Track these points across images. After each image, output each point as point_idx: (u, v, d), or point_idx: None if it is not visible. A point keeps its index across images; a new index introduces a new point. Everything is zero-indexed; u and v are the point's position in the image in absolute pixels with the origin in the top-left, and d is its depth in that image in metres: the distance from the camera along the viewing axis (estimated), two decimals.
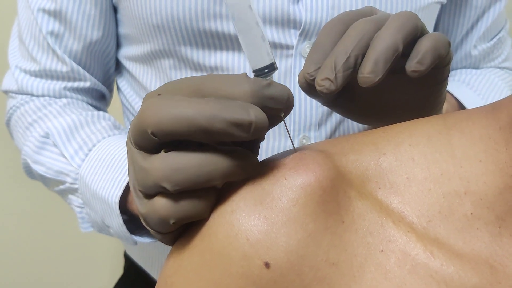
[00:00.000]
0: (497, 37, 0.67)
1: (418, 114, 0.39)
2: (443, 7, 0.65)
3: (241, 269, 0.27)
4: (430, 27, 0.63)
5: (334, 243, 0.28)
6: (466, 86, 0.64)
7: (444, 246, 0.28)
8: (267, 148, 0.57)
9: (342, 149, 0.31)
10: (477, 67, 0.69)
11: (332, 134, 0.58)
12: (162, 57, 0.58)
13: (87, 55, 0.61)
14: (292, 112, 0.55)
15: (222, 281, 0.27)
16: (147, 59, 0.60)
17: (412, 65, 0.34)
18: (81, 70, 0.61)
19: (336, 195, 0.29)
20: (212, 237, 0.28)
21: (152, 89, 0.61)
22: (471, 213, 0.29)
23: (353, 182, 0.30)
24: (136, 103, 0.65)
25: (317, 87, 0.34)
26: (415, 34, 0.35)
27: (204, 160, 0.27)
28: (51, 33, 0.59)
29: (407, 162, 0.30)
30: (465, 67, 0.70)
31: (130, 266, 0.75)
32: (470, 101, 0.62)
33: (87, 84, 0.62)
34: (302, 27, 0.53)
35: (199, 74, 0.56)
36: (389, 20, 0.35)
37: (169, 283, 0.29)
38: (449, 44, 0.36)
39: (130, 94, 0.65)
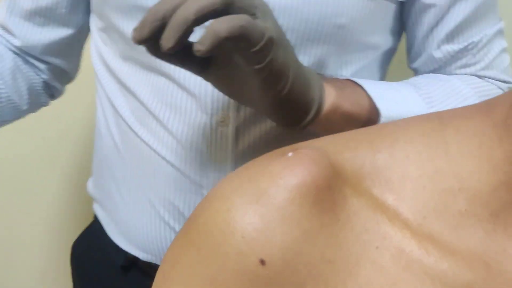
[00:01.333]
0: (471, 40, 0.59)
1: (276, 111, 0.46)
2: (403, 5, 0.60)
3: (237, 266, 0.27)
4: (381, 26, 0.59)
5: (330, 241, 0.28)
6: (410, 86, 0.57)
7: (438, 242, 0.29)
8: (184, 124, 0.57)
9: (337, 147, 0.31)
10: (448, 73, 0.61)
11: (251, 116, 0.57)
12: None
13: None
14: (209, 89, 0.55)
15: (218, 277, 0.28)
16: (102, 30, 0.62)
17: (195, 44, 0.40)
18: None
19: (332, 193, 0.29)
20: (209, 234, 0.28)
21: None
22: (465, 210, 0.29)
23: (349, 180, 0.30)
24: None
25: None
26: (214, 9, 0.40)
27: None
28: None
29: (402, 160, 0.31)
30: (432, 72, 0.62)
31: (96, 221, 0.75)
32: (397, 102, 0.54)
33: None
34: None
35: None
36: None
37: (167, 277, 0.30)
38: (252, 27, 0.40)
39: None
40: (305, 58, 0.54)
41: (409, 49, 0.64)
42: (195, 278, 0.28)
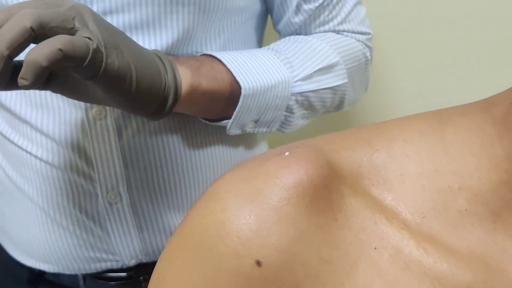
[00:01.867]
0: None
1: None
2: None
3: (232, 267, 0.27)
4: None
5: (327, 241, 0.28)
6: (271, 52, 0.57)
7: (438, 242, 0.28)
8: (60, 123, 0.54)
9: (334, 145, 0.31)
10: (308, 33, 0.61)
11: (153, 191, 0.56)
12: None
13: None
14: (95, 166, 0.54)
15: (213, 278, 0.27)
16: None
17: (19, 79, 0.38)
18: None
19: (329, 193, 0.28)
20: (203, 235, 0.28)
21: None
22: (466, 209, 0.29)
23: (346, 179, 0.29)
24: None
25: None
26: (26, 38, 0.38)
27: None
28: None
29: (400, 158, 0.30)
30: (294, 33, 0.63)
31: None
32: (257, 72, 0.54)
33: None
34: None
35: None
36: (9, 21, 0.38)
37: (161, 279, 0.29)
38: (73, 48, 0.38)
39: None
40: (169, 33, 0.53)
41: (270, 12, 0.64)
42: (190, 279, 0.28)
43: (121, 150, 0.54)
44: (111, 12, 0.51)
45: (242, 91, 0.52)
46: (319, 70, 0.57)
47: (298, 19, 0.61)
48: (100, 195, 0.55)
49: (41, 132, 0.55)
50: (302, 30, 0.62)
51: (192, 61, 0.51)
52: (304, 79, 0.57)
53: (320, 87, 0.58)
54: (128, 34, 0.47)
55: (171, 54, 0.53)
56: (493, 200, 0.29)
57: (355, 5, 0.62)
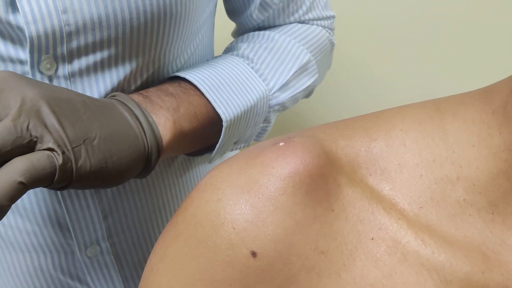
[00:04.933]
0: None
1: None
2: None
3: (227, 258, 0.26)
4: None
5: (324, 232, 0.27)
6: (242, 61, 0.53)
7: (435, 233, 0.28)
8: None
9: (332, 135, 0.30)
10: (272, 25, 0.57)
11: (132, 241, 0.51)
12: None
13: None
14: (70, 222, 0.47)
15: (207, 270, 0.27)
16: None
17: None
18: None
19: (326, 183, 0.28)
20: (198, 225, 0.27)
21: None
22: (464, 199, 0.28)
23: (344, 168, 0.29)
24: None
25: None
26: None
27: None
28: None
29: (398, 148, 0.30)
30: (257, 26, 0.58)
31: None
32: (237, 91, 0.49)
33: None
34: (29, 45, 0.40)
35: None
36: None
37: (155, 270, 0.29)
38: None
39: None
40: (133, 64, 0.46)
41: (226, 3, 0.58)
42: (184, 271, 0.27)
43: (98, 201, 0.49)
44: (78, 55, 0.44)
45: (224, 123, 0.48)
46: (294, 73, 0.54)
47: (262, 14, 0.56)
48: (77, 252, 0.50)
49: None
50: (266, 23, 0.57)
51: (168, 101, 0.45)
52: (281, 88, 0.54)
53: (296, 91, 0.56)
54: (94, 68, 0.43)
55: (138, 77, 0.47)
56: (492, 191, 0.28)
57: None
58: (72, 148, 0.35)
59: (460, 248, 0.27)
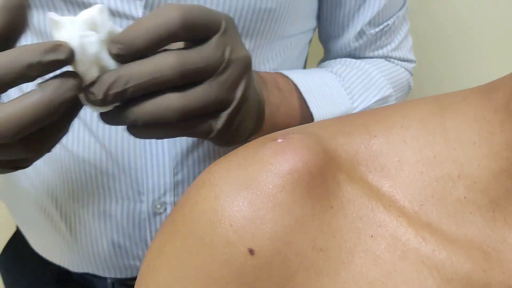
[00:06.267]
0: (387, 23, 0.60)
1: None
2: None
3: (225, 256, 0.26)
4: (306, 9, 0.58)
5: (322, 229, 0.27)
6: (335, 78, 0.58)
7: (436, 231, 0.27)
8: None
9: (331, 131, 0.30)
10: (361, 56, 0.63)
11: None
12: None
13: None
14: (140, 172, 0.51)
15: (204, 267, 0.26)
16: None
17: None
18: None
19: (325, 180, 0.28)
20: (195, 222, 0.27)
21: None
22: (465, 197, 0.28)
23: (343, 165, 0.29)
24: None
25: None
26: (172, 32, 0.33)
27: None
28: None
29: (398, 145, 0.29)
30: (346, 56, 0.63)
31: (18, 231, 0.70)
32: (328, 101, 0.54)
33: None
34: (144, 1, 0.45)
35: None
36: None
37: (152, 267, 0.28)
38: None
39: None
40: None
41: (321, 28, 0.63)
42: (181, 268, 0.27)
43: (172, 156, 0.52)
44: None
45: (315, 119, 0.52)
46: (375, 102, 0.58)
47: (357, 43, 0.61)
48: (145, 203, 0.53)
49: (90, 132, 0.52)
50: (357, 52, 0.62)
51: (275, 96, 0.49)
52: (361, 110, 0.57)
53: None
54: None
55: None
56: (493, 189, 0.28)
57: (407, 33, 0.64)
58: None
59: (461, 246, 0.27)
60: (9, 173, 0.51)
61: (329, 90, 0.55)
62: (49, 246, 0.60)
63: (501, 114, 0.28)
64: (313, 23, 0.61)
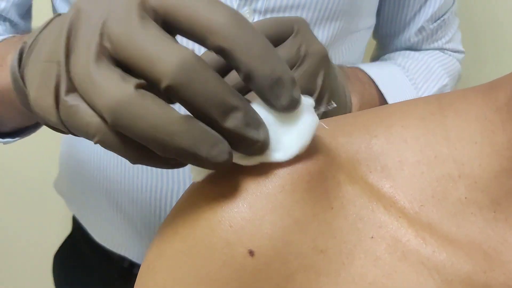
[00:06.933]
0: (442, 18, 0.66)
1: None
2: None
3: (224, 257, 0.26)
4: (371, 6, 0.62)
5: (322, 230, 0.27)
6: (400, 69, 0.63)
7: (436, 231, 0.27)
8: None
9: (331, 131, 0.30)
10: (418, 49, 0.68)
11: None
12: None
13: None
14: None
15: (204, 268, 0.26)
16: None
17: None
18: None
19: (325, 180, 0.27)
20: (195, 223, 0.27)
21: None
22: (465, 197, 0.28)
23: (343, 166, 0.28)
24: None
25: None
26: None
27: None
28: None
29: (399, 145, 0.29)
30: (405, 49, 0.69)
31: (77, 228, 0.73)
32: (399, 91, 0.59)
33: None
34: None
35: None
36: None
37: (151, 268, 0.28)
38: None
39: None
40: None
41: (380, 24, 0.69)
42: (180, 269, 0.27)
43: None
44: (272, 11, 0.52)
45: None
46: (436, 90, 0.63)
47: (417, 38, 0.67)
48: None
49: None
50: (415, 45, 0.68)
51: (358, 85, 0.52)
52: None
53: None
54: None
55: None
56: (494, 189, 0.28)
57: (458, 26, 0.70)
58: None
59: (461, 247, 0.27)
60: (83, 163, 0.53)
61: (399, 81, 0.60)
62: (117, 238, 0.62)
63: (502, 113, 0.28)
64: (373, 20, 0.66)
